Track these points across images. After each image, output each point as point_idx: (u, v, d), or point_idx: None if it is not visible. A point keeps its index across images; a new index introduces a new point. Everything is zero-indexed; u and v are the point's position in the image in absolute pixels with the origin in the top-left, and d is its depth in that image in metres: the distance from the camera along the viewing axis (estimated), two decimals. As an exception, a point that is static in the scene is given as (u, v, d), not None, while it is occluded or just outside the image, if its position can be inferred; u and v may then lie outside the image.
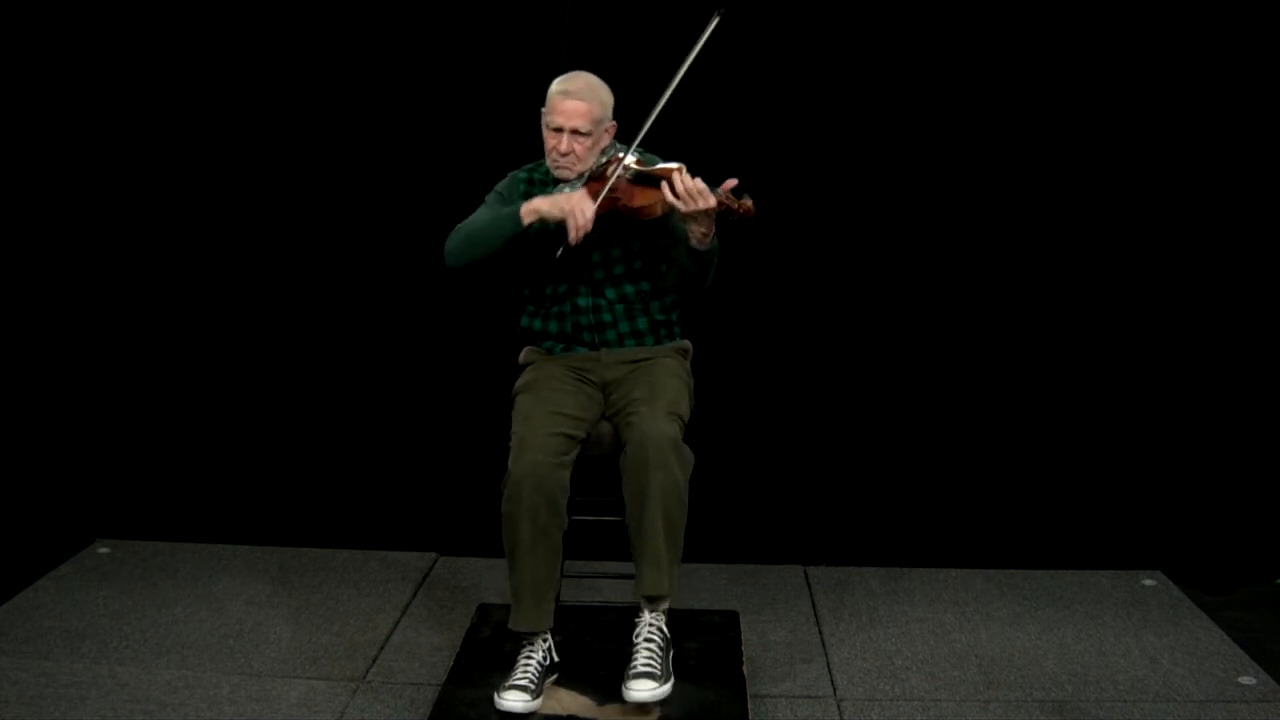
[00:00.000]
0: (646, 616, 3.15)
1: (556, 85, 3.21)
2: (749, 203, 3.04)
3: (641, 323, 3.31)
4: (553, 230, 3.14)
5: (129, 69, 4.23)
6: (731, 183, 3.04)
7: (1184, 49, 4.07)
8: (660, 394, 3.16)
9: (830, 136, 4.17)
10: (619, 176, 3.12)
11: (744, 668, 3.35)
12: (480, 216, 3.23)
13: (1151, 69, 4.10)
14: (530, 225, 3.13)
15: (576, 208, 3.08)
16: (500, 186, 3.34)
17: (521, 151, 3.41)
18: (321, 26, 4.20)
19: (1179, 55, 4.08)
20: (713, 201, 3.01)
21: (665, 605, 3.16)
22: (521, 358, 3.41)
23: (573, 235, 3.08)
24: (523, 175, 3.34)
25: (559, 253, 3.14)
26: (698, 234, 3.08)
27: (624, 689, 3.07)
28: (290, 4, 4.20)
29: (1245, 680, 3.46)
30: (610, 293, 3.28)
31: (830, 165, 4.19)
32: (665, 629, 3.16)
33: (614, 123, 3.25)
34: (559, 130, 3.17)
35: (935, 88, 4.15)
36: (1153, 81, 4.10)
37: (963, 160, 4.18)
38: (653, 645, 3.12)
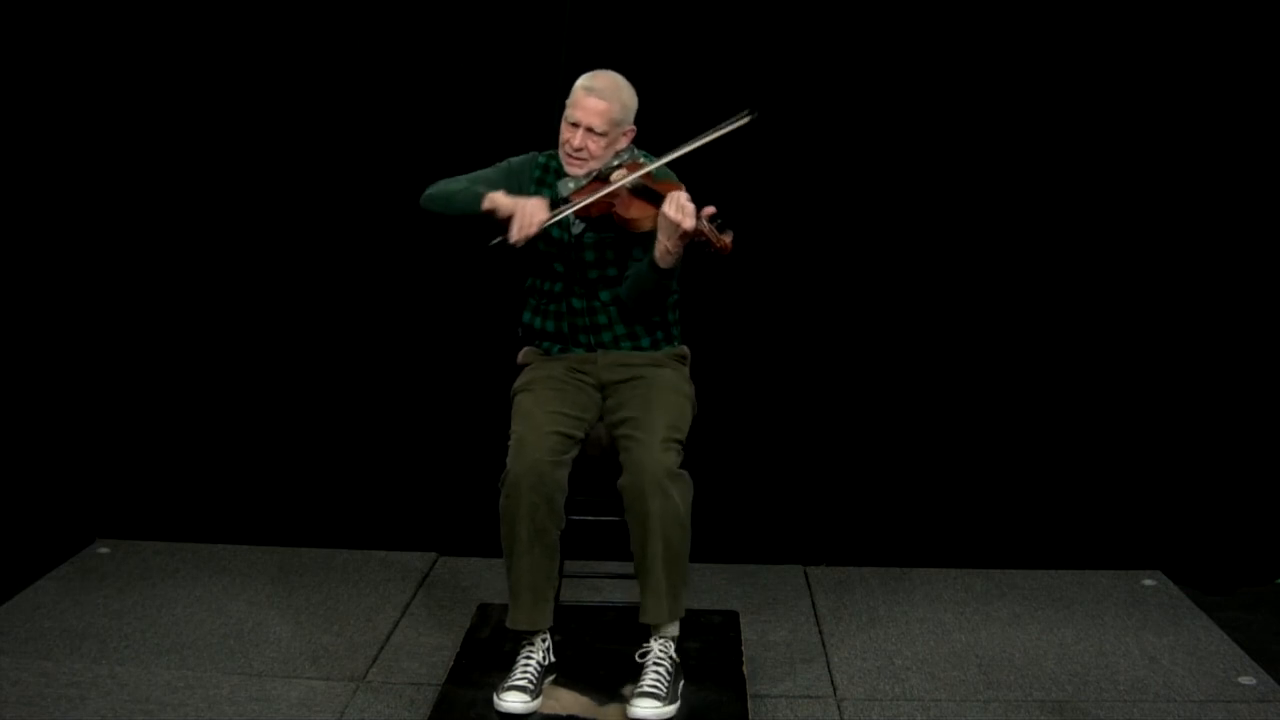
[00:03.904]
0: (655, 644, 3.17)
1: (582, 80, 3.19)
2: (728, 239, 3.03)
3: (638, 325, 3.30)
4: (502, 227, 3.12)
5: (129, 69, 4.23)
6: (709, 210, 3.03)
7: (1184, 49, 4.07)
8: (658, 416, 3.13)
9: (830, 136, 4.17)
10: (621, 185, 3.11)
11: (744, 668, 3.36)
12: (468, 183, 3.21)
13: (1151, 69, 4.10)
14: (487, 212, 3.11)
15: (529, 211, 3.07)
16: (516, 161, 3.31)
17: (523, 151, 3.41)
18: (321, 26, 4.19)
19: (1179, 55, 4.08)
20: (690, 224, 2.99)
21: (672, 632, 3.18)
22: (520, 358, 3.41)
23: (514, 235, 3.07)
24: (542, 159, 3.31)
25: (494, 241, 3.10)
26: (662, 247, 3.06)
27: (628, 707, 3.09)
28: (290, 3, 4.20)
29: (1245, 680, 3.46)
30: (605, 295, 3.28)
31: (830, 164, 4.19)
32: (674, 655, 3.18)
33: (633, 127, 3.23)
34: (575, 125, 3.16)
35: (934, 90, 4.15)
36: (1153, 81, 4.11)
37: (962, 161, 4.18)
38: (660, 669, 3.14)
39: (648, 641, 3.18)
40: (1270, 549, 4.21)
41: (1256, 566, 4.19)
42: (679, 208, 3.00)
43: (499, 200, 3.11)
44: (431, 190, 3.24)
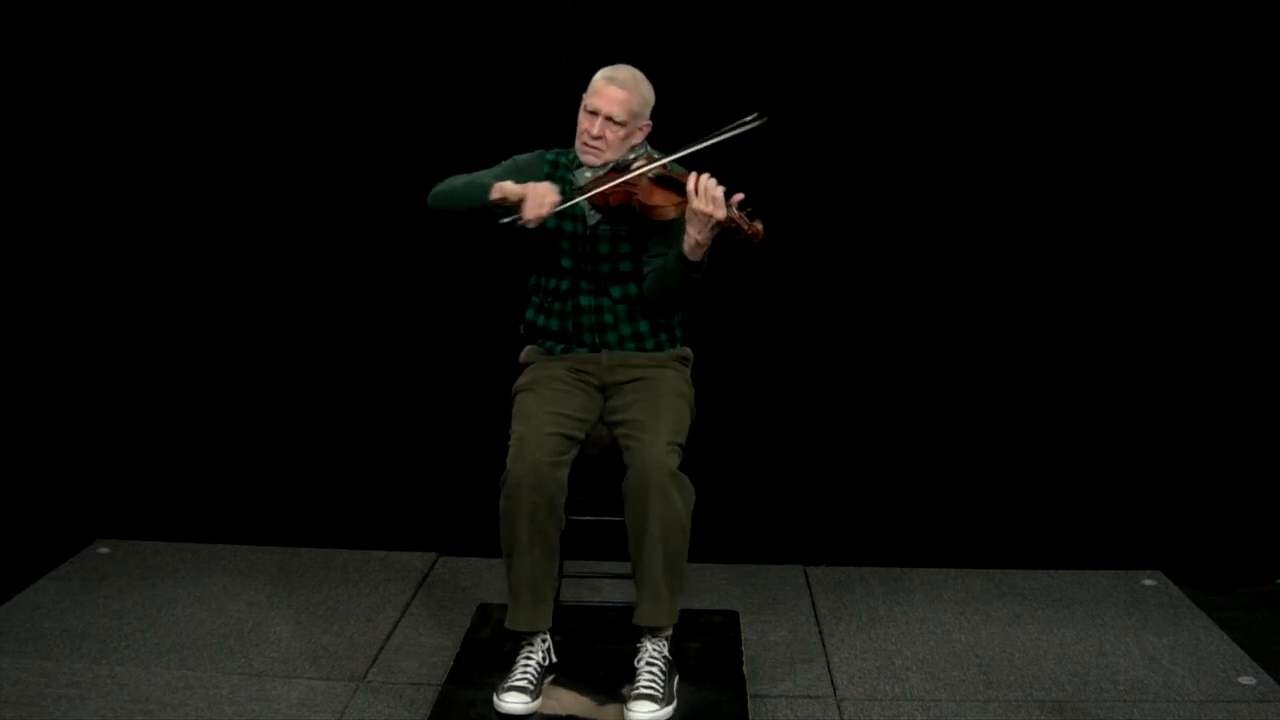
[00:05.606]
0: (648, 644, 3.17)
1: (603, 71, 3.21)
2: (759, 226, 3.04)
3: (643, 325, 3.30)
4: (515, 224, 3.12)
5: (130, 69, 4.23)
6: (739, 196, 3.04)
7: (1184, 49, 4.07)
8: (660, 419, 3.13)
9: (830, 137, 4.17)
10: (642, 173, 3.12)
11: (744, 668, 3.36)
12: (472, 176, 3.22)
13: (1151, 69, 4.10)
14: (496, 202, 3.11)
15: (539, 192, 3.07)
16: (523, 158, 3.31)
17: (525, 150, 3.40)
18: (322, 26, 4.19)
19: (1179, 55, 4.08)
20: (722, 213, 3.00)
21: (667, 633, 3.18)
22: (522, 357, 3.41)
23: (528, 214, 3.06)
24: (550, 156, 3.31)
25: (505, 219, 3.09)
26: (693, 240, 3.05)
27: (625, 709, 3.09)
28: (291, 4, 4.19)
29: (1245, 680, 3.46)
30: (615, 291, 3.27)
31: (829, 164, 4.19)
32: (668, 655, 3.18)
33: (649, 123, 3.25)
34: (594, 113, 3.17)
35: (934, 91, 4.15)
36: (1153, 81, 4.11)
37: (961, 161, 4.18)
38: (654, 670, 3.13)
39: (640, 641, 3.17)
40: (1270, 549, 4.21)
41: (1256, 566, 4.19)
42: (710, 199, 3.00)
43: (507, 188, 3.11)
44: (437, 189, 3.24)
